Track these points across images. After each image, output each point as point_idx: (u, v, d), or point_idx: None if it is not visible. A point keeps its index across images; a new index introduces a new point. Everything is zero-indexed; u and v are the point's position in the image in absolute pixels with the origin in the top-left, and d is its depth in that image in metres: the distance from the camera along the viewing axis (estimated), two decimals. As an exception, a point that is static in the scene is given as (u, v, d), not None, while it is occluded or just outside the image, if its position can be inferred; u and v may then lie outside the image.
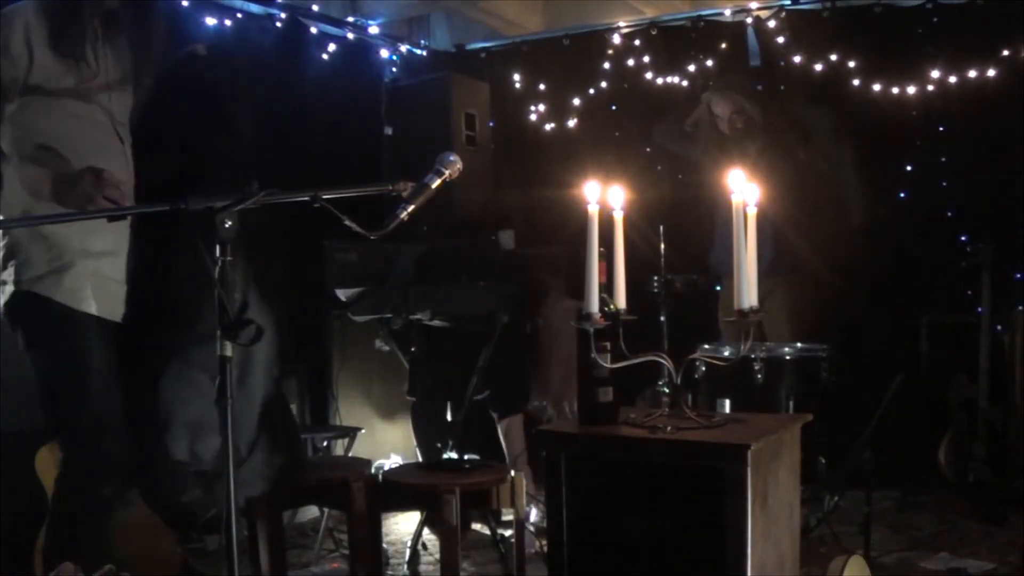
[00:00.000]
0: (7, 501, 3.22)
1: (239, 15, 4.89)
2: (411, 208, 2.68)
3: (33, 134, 2.73)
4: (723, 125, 4.61)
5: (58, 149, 2.73)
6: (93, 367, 2.73)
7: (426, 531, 3.66)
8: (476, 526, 4.13)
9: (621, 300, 2.47)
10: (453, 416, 4.22)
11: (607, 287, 2.46)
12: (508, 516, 3.63)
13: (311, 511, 4.18)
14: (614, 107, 5.60)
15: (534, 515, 4.09)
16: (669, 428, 2.35)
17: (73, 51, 2.74)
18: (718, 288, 4.72)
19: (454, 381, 4.36)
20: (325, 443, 4.13)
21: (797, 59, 5.06)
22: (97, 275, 2.77)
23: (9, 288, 2.73)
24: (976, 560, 3.62)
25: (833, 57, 4.98)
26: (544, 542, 3.27)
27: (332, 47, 5.34)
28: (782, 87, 5.15)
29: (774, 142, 4.50)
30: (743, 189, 2.26)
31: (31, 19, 2.69)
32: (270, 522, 3.09)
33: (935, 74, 4.82)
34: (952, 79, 4.79)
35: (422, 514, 3.38)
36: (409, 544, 3.64)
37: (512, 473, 3.18)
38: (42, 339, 2.73)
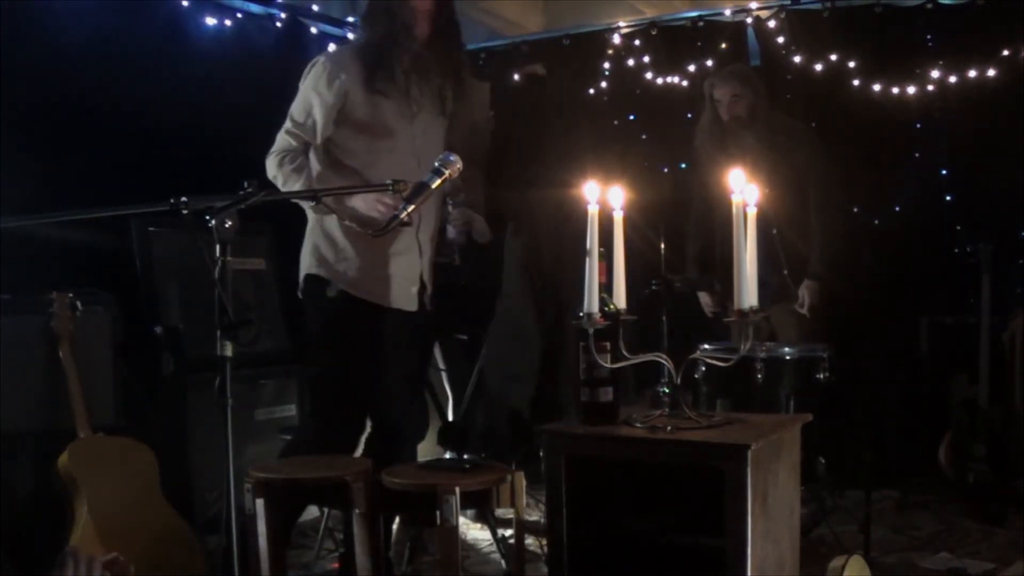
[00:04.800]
0: (7, 501, 3.22)
1: (239, 15, 4.90)
2: (411, 208, 2.69)
3: (339, 152, 3.15)
4: (723, 111, 4.42)
5: (358, 169, 3.13)
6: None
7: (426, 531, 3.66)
8: (476, 526, 4.13)
9: (621, 300, 2.47)
10: (453, 416, 4.22)
11: (607, 287, 2.46)
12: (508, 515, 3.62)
13: (311, 511, 4.17)
14: (613, 107, 5.59)
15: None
16: (669, 428, 2.36)
17: (383, 89, 3.13)
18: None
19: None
20: (325, 443, 4.13)
21: (797, 59, 5.06)
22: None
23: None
24: (976, 560, 3.62)
25: (833, 57, 4.98)
26: (544, 542, 3.28)
27: (332, 47, 5.34)
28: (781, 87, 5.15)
29: (772, 136, 4.36)
30: (743, 189, 2.26)
31: (347, 62, 3.14)
32: (270, 522, 3.09)
33: (935, 74, 4.81)
34: (952, 79, 4.78)
35: (422, 514, 3.37)
36: (409, 544, 3.63)
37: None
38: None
